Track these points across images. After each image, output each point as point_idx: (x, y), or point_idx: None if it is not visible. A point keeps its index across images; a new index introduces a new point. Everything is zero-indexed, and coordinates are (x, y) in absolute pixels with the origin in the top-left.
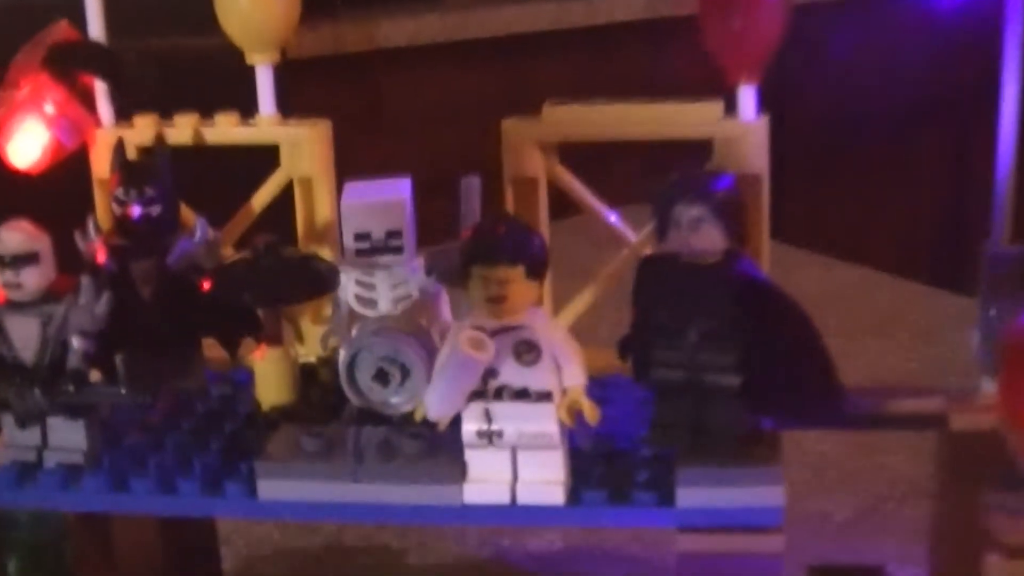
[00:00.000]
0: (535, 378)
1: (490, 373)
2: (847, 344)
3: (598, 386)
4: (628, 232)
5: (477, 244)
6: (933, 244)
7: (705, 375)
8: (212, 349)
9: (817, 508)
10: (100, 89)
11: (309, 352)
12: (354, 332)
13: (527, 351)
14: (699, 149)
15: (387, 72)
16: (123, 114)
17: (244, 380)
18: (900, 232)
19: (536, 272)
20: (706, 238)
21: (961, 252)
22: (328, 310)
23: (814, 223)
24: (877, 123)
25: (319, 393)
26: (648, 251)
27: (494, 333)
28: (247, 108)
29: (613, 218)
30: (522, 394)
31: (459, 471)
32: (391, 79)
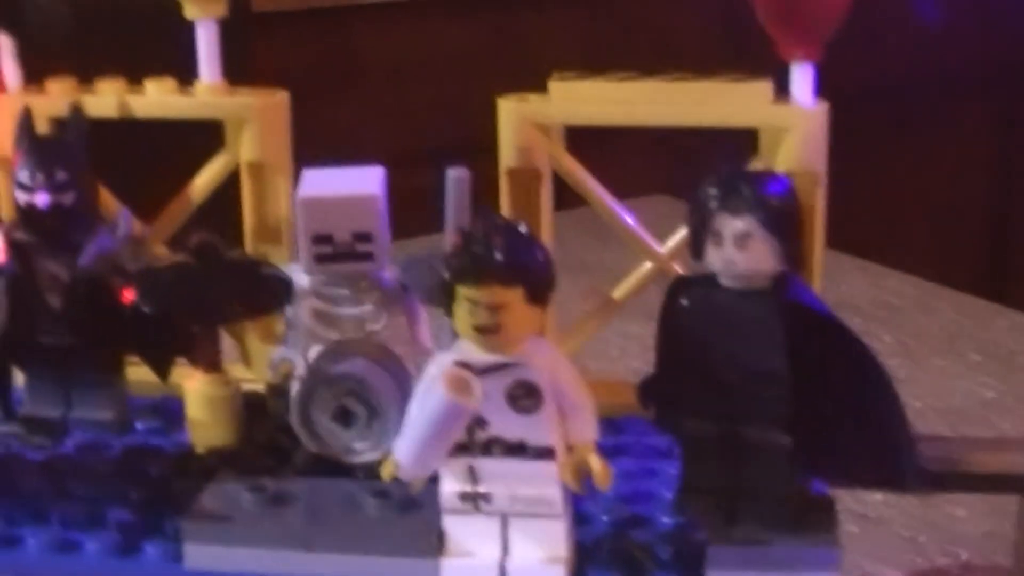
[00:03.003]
0: (534, 429)
1: (478, 422)
2: (908, 365)
3: (609, 430)
4: (650, 241)
5: (465, 257)
6: (977, 250)
7: (748, 428)
8: (139, 370)
9: (865, 572)
10: (3, 44)
11: (256, 377)
12: (311, 357)
13: (525, 395)
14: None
15: (361, 27)
16: (32, 77)
17: (177, 411)
18: (939, 235)
19: (538, 295)
20: (755, 257)
21: (1010, 259)
22: (281, 327)
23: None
24: (914, 101)
25: (266, 431)
26: (676, 266)
27: (484, 371)
28: (189, 73)
29: (630, 221)
30: (517, 449)
31: (435, 542)
32: (366, 35)
